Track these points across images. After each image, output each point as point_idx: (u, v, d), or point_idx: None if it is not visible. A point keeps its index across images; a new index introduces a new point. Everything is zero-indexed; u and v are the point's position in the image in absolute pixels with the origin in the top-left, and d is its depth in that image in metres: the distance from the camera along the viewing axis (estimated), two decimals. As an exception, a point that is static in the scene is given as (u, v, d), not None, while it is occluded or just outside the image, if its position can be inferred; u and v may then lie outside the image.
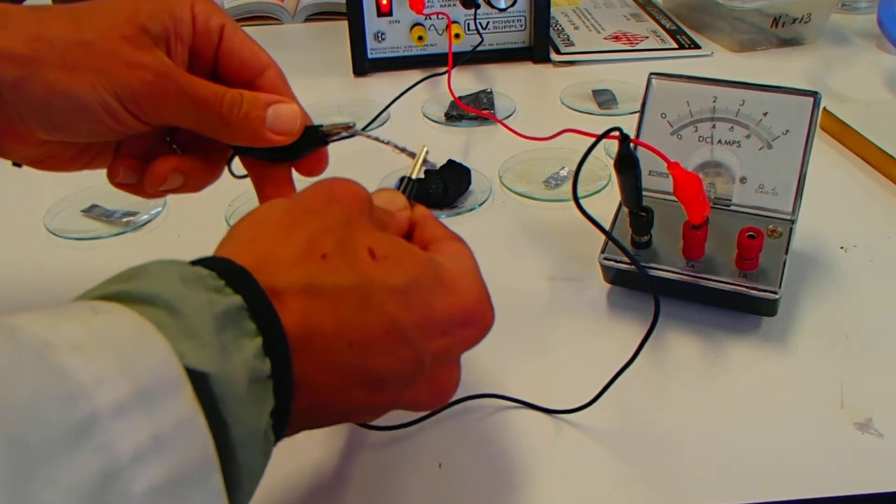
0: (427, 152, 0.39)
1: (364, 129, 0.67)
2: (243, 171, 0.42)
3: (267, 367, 0.26)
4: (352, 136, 0.39)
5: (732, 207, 0.46)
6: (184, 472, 0.22)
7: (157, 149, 0.41)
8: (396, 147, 0.40)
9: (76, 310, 0.24)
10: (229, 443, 0.24)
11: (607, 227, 0.47)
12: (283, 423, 0.27)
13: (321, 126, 0.39)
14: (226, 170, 0.42)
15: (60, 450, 0.20)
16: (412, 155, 0.39)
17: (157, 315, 0.24)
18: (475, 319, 0.32)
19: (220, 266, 0.27)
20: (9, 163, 0.41)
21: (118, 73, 0.35)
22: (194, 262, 0.27)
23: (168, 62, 0.36)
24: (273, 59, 0.41)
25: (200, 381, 0.23)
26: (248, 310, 0.26)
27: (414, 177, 0.38)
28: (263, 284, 0.27)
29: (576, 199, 0.38)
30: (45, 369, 0.21)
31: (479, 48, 0.78)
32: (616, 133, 0.40)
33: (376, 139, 0.41)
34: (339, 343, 0.28)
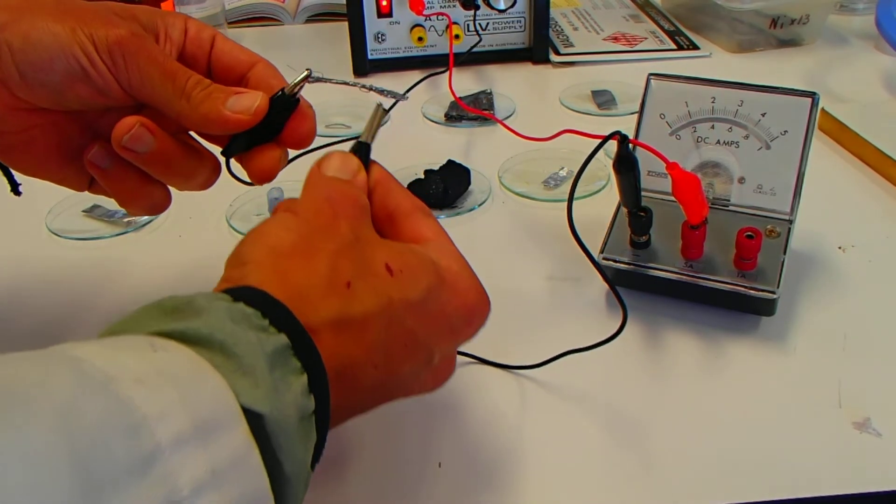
0: (384, 112, 0.39)
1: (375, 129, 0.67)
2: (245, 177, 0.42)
3: (312, 403, 0.27)
4: (315, 81, 0.39)
5: (731, 207, 0.46)
6: (240, 501, 0.22)
7: None
8: (373, 89, 0.40)
9: (135, 344, 0.24)
10: (281, 479, 0.24)
11: (607, 226, 0.47)
12: (319, 454, 0.28)
13: (283, 88, 0.39)
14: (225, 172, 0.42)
15: (127, 479, 0.20)
16: (394, 95, 0.40)
17: (211, 355, 0.25)
18: (479, 314, 0.34)
19: (260, 302, 0.27)
20: (8, 188, 0.41)
21: (97, 26, 0.36)
22: (231, 293, 0.27)
23: (147, 35, 0.37)
24: (268, 60, 0.41)
25: (255, 420, 0.24)
26: (292, 348, 0.27)
27: (366, 140, 0.38)
28: (301, 321, 0.28)
29: (570, 219, 0.38)
30: (110, 401, 0.21)
31: (480, 49, 0.78)
32: (617, 136, 0.40)
33: (343, 83, 0.42)
34: (366, 368, 0.30)
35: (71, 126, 0.39)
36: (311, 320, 0.28)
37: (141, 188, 0.40)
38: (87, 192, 0.43)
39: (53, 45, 0.35)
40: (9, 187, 0.41)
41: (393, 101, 0.42)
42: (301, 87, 0.39)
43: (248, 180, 0.41)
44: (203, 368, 0.24)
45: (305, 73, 0.39)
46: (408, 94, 0.41)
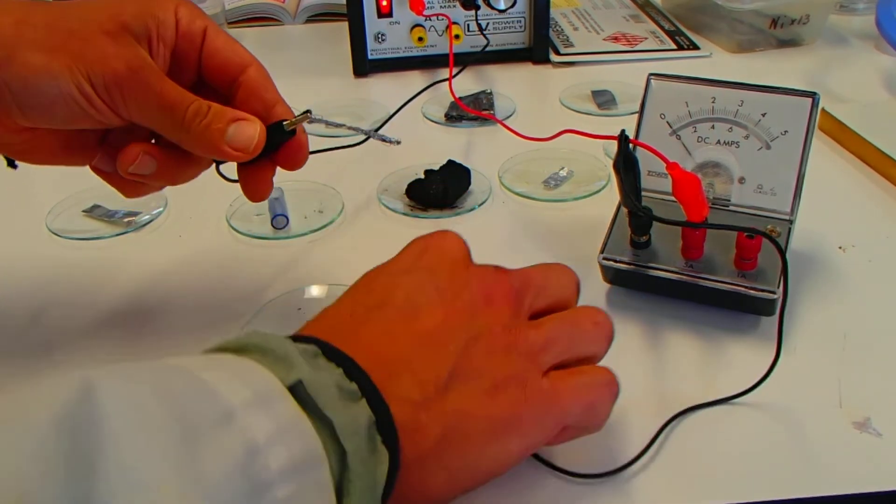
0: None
1: (375, 130, 0.67)
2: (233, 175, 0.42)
3: (353, 385, 0.29)
4: (311, 122, 0.40)
5: (731, 207, 0.46)
6: (303, 459, 0.26)
7: (139, 142, 0.41)
8: (370, 135, 0.41)
9: (184, 356, 0.28)
10: (336, 434, 0.27)
11: (607, 226, 0.47)
12: (395, 458, 0.29)
13: (283, 121, 0.39)
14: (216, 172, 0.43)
15: (213, 428, 0.24)
16: (389, 140, 0.41)
17: (251, 356, 0.29)
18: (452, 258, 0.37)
19: (306, 339, 0.31)
20: (4, 163, 0.42)
21: (93, 60, 0.36)
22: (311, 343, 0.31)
23: (144, 59, 0.37)
24: (259, 62, 0.41)
25: (298, 390, 0.27)
26: (323, 354, 0.30)
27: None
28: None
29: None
30: (188, 377, 0.26)
31: (484, 49, 0.78)
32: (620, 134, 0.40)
33: (337, 125, 0.43)
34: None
35: (75, 132, 0.40)
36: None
37: (143, 187, 0.42)
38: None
39: (52, 89, 0.35)
40: (5, 162, 0.41)
41: (384, 143, 0.43)
42: (300, 124, 0.40)
43: (237, 178, 0.42)
44: (248, 362, 0.28)
45: (306, 113, 0.39)
46: (401, 141, 0.43)
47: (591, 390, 0.34)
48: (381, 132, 0.42)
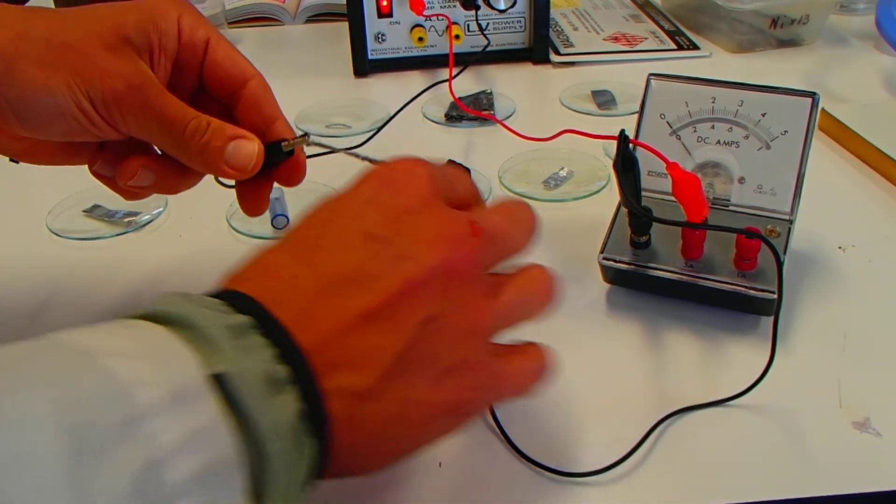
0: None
1: (375, 132, 0.67)
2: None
3: (283, 370, 0.26)
4: (311, 144, 0.41)
5: (731, 207, 0.46)
6: (213, 468, 0.24)
7: (138, 150, 0.41)
8: (366, 159, 0.41)
9: (107, 324, 0.26)
10: (257, 436, 0.25)
11: (607, 226, 0.47)
12: (323, 438, 0.27)
13: (283, 141, 0.40)
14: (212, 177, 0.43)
15: (114, 439, 0.22)
16: (373, 161, 0.41)
17: (178, 331, 0.26)
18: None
19: (225, 294, 0.28)
20: (6, 159, 0.42)
21: (93, 77, 0.35)
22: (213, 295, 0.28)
23: (144, 74, 0.36)
24: (261, 75, 0.41)
25: (222, 382, 0.25)
26: (256, 326, 0.27)
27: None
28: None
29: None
30: (95, 370, 0.23)
31: (485, 49, 0.78)
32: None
33: (332, 150, 0.43)
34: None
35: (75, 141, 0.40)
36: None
37: (142, 194, 0.42)
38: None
39: (51, 105, 0.35)
40: (7, 157, 0.42)
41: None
42: (299, 145, 0.40)
43: (233, 184, 0.42)
44: (173, 341, 0.25)
45: (305, 136, 0.40)
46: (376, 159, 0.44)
47: (530, 377, 0.34)
48: (381, 132, 0.42)
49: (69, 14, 0.37)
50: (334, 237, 0.31)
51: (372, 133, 0.66)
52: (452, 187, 0.34)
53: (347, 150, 0.45)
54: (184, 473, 0.23)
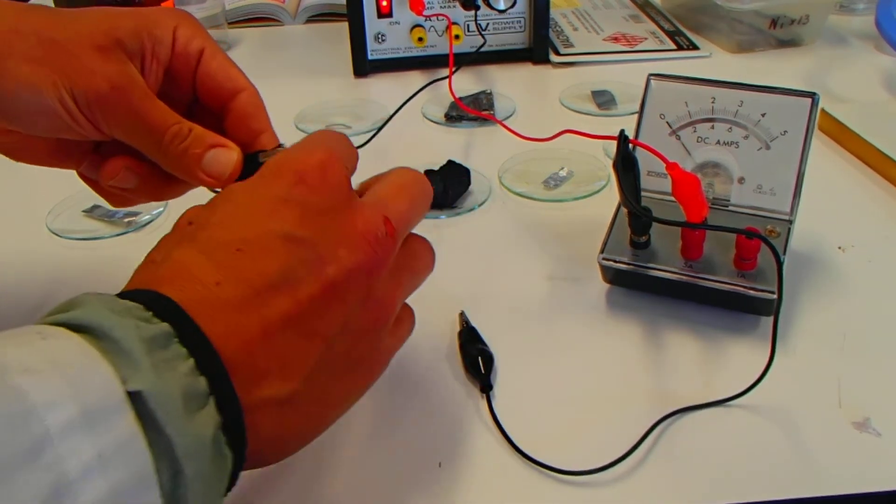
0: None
1: (375, 133, 0.67)
2: None
3: (202, 383, 0.26)
4: None
5: (731, 208, 0.46)
6: (126, 487, 0.23)
7: (128, 154, 0.40)
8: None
9: (24, 334, 0.25)
10: (175, 456, 0.24)
11: (607, 226, 0.47)
12: (241, 434, 0.27)
13: (261, 151, 0.39)
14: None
15: (16, 465, 0.21)
16: None
17: (97, 342, 0.25)
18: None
19: (144, 297, 0.27)
20: (6, 160, 0.42)
21: (78, 75, 0.35)
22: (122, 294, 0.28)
23: (130, 76, 0.36)
24: (254, 87, 0.40)
25: (139, 401, 0.24)
26: (176, 335, 0.26)
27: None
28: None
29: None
30: (5, 390, 0.22)
31: (479, 49, 0.78)
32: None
33: None
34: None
35: (63, 140, 0.40)
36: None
37: (127, 200, 0.42)
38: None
39: (35, 102, 0.35)
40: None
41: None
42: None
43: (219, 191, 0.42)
44: (91, 355, 0.25)
45: (278, 148, 0.39)
46: None
47: (409, 333, 0.37)
48: (381, 132, 0.42)
49: (65, 14, 0.37)
50: (255, 240, 0.30)
51: (372, 133, 0.66)
52: (354, 166, 0.35)
53: None
54: (95, 495, 0.22)
